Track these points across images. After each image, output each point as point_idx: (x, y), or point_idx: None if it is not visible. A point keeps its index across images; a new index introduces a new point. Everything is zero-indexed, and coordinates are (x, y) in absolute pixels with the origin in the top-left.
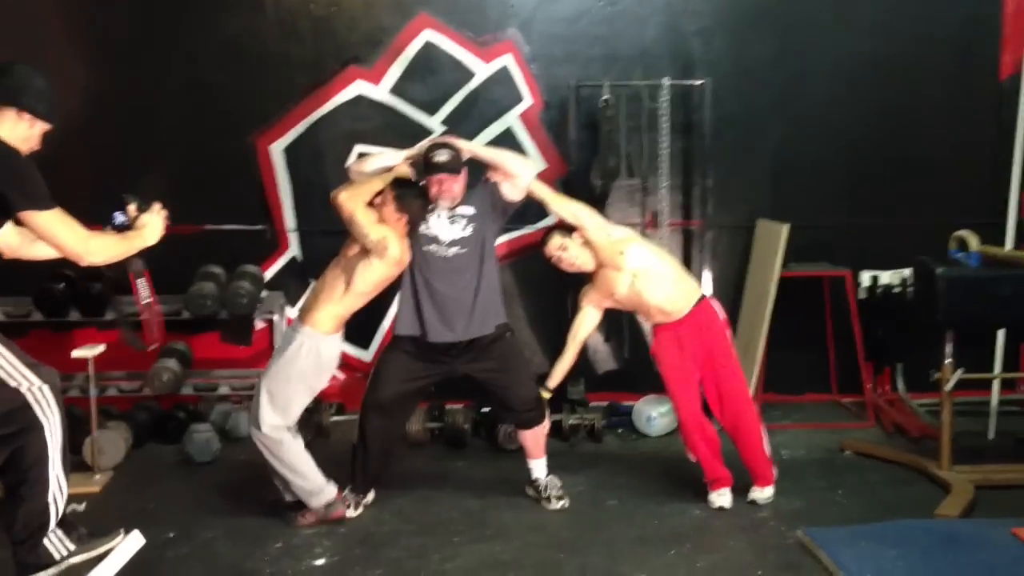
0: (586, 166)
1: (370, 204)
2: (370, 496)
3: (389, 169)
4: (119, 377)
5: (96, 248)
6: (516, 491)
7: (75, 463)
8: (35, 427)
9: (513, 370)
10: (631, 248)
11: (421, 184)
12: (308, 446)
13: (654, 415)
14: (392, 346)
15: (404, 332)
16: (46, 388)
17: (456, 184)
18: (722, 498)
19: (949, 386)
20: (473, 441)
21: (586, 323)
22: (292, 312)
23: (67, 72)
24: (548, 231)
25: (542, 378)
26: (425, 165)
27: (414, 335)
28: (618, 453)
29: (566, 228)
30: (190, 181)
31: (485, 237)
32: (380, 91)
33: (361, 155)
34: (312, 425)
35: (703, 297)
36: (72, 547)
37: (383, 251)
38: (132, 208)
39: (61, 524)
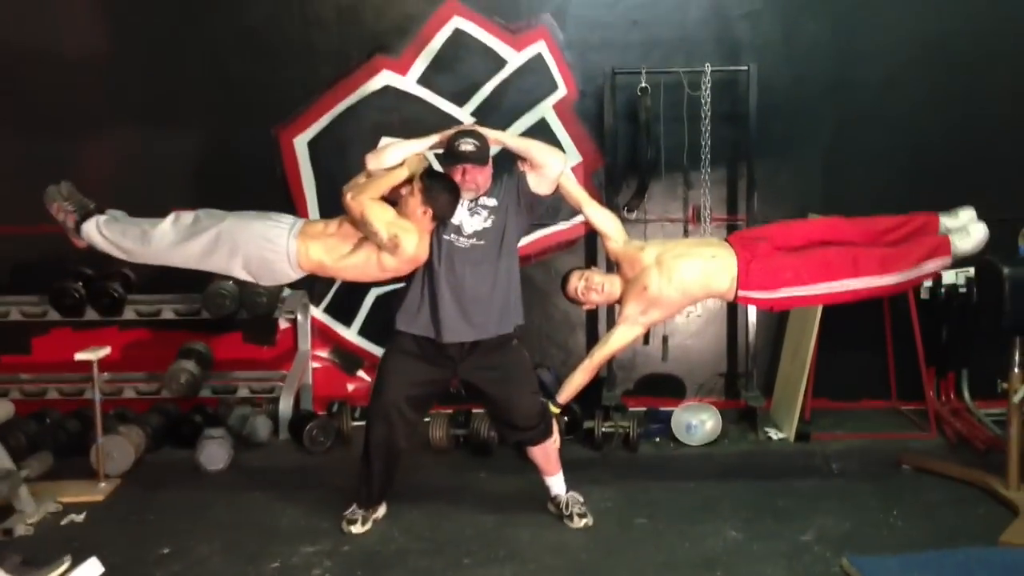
0: (624, 159)
1: (393, 197)
2: (381, 510)
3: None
4: (137, 379)
5: None
6: (539, 506)
7: (83, 469)
8: None
9: (516, 381)
10: (647, 246)
11: (451, 177)
12: (327, 452)
13: (695, 423)
14: (394, 348)
15: (415, 332)
16: None
17: (480, 175)
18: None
19: (1017, 397)
20: (500, 449)
21: (615, 340)
22: (316, 312)
23: (87, 63)
24: (563, 278)
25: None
26: (450, 154)
27: (426, 336)
28: (653, 464)
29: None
30: (211, 175)
31: (506, 230)
32: (408, 81)
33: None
34: (331, 430)
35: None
36: None
37: (394, 250)
38: None
39: None
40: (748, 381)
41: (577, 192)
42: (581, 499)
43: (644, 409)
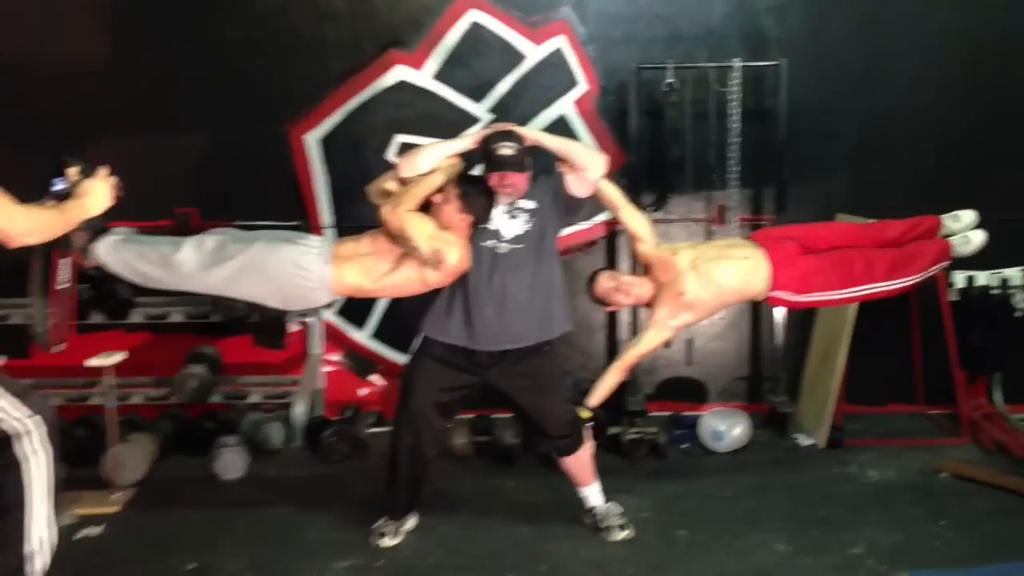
0: (647, 157)
1: (426, 204)
2: (411, 522)
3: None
4: (145, 384)
5: (29, 227)
6: (573, 517)
7: (94, 480)
8: (13, 465)
9: (548, 388)
10: (680, 250)
11: (488, 182)
12: (346, 459)
13: (723, 429)
14: (421, 354)
15: (446, 340)
16: (34, 420)
17: (520, 179)
18: None
19: None
20: (523, 458)
21: (646, 342)
22: (328, 315)
23: (92, 57)
24: (590, 279)
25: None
26: (487, 159)
27: (457, 344)
28: (684, 472)
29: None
30: (220, 174)
31: (545, 233)
32: (423, 77)
33: (409, 148)
34: (348, 438)
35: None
36: None
37: (438, 264)
38: (73, 172)
39: None
40: (775, 385)
41: (614, 195)
42: (620, 510)
43: (668, 414)
